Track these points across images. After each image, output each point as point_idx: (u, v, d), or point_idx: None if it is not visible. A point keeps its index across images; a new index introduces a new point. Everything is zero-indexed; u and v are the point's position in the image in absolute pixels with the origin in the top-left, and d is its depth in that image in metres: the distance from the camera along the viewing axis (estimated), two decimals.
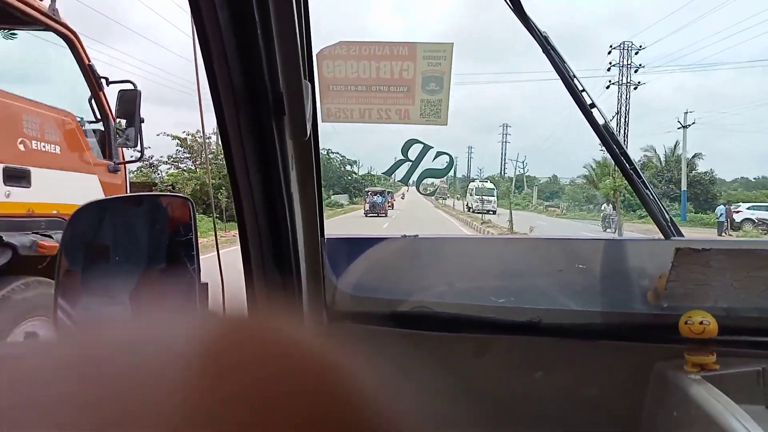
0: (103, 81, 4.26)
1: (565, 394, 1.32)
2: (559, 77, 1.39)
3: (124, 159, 4.51)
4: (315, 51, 1.26)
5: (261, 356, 0.20)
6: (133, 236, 1.17)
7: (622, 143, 1.44)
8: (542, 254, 1.55)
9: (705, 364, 1.18)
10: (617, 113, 35.74)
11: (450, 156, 1.93)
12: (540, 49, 1.38)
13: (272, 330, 0.23)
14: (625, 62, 36.59)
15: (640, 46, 36.32)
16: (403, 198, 34.25)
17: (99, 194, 4.05)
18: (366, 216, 21.15)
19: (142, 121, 4.17)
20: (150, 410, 0.17)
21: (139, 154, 4.54)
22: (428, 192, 1.73)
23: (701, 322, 1.19)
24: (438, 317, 1.37)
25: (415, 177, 1.56)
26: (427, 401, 0.23)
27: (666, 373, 1.23)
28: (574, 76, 1.39)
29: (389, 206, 23.85)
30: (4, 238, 3.25)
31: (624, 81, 36.71)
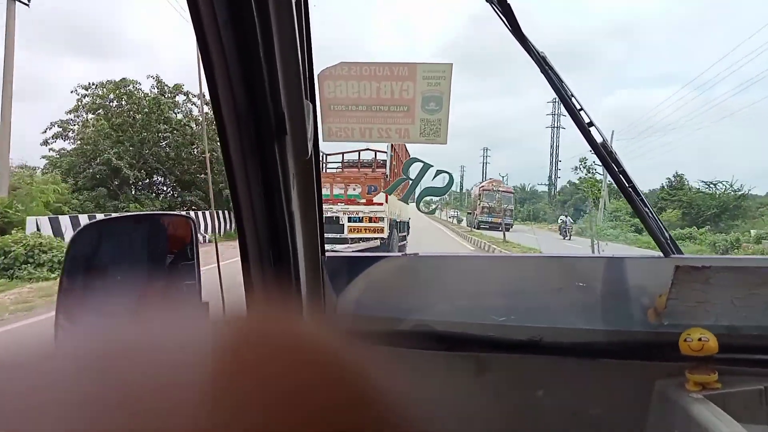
0: None
1: (566, 412, 1.31)
2: (557, 96, 1.40)
3: None
4: (316, 71, 1.28)
5: (260, 371, 0.20)
6: (134, 255, 1.18)
7: (619, 159, 1.46)
8: (542, 272, 1.55)
9: (706, 383, 1.17)
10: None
11: (449, 174, 1.94)
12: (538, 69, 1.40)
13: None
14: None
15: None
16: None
17: None
18: None
19: None
20: (146, 414, 0.17)
21: None
22: (429, 210, 1.74)
23: (700, 339, 1.18)
24: (438, 335, 1.37)
25: (415, 196, 1.57)
26: (428, 419, 0.23)
27: (667, 391, 1.22)
28: (572, 95, 1.41)
29: None
30: None
31: None
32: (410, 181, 2.08)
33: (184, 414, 0.18)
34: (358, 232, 8.71)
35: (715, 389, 1.17)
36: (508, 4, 1.28)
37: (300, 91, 1.05)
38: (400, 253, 1.51)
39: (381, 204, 9.00)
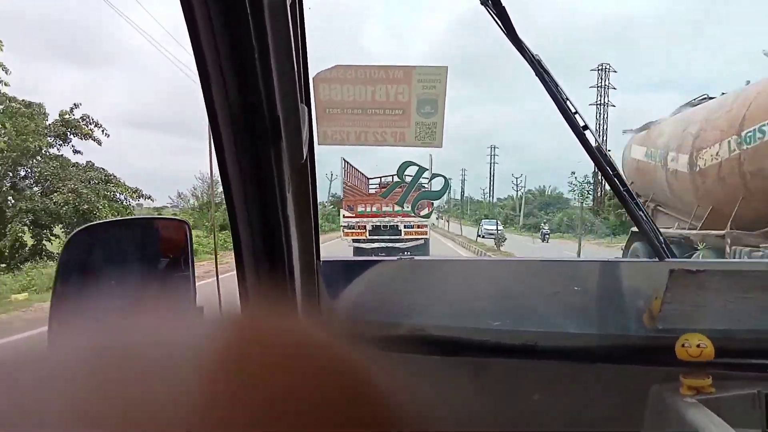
0: None
1: (562, 416, 1.31)
2: (552, 99, 1.41)
3: None
4: (311, 74, 1.28)
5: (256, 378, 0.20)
6: (128, 260, 1.17)
7: (613, 162, 1.46)
8: (538, 276, 1.56)
9: (701, 387, 1.18)
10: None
11: (445, 178, 1.93)
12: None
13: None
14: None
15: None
16: None
17: None
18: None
19: None
20: (141, 414, 0.17)
21: None
22: (424, 215, 1.74)
23: (698, 345, 1.19)
24: (434, 340, 1.36)
25: (411, 199, 1.57)
26: (423, 423, 0.23)
27: (662, 395, 1.22)
28: (567, 99, 1.41)
29: None
30: None
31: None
32: (405, 185, 2.08)
33: (175, 418, 0.17)
34: (410, 235, 11.59)
35: (709, 393, 1.17)
36: (503, 7, 1.28)
37: (295, 94, 1.05)
38: (395, 258, 1.51)
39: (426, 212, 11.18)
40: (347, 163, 12.14)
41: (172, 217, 1.28)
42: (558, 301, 1.42)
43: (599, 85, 38.19)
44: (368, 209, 11.65)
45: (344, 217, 11.87)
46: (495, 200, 48.74)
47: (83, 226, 1.11)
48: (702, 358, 1.18)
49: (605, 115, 37.92)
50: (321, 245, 1.29)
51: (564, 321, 1.41)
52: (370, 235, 11.33)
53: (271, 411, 0.19)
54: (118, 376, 0.19)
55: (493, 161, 49.87)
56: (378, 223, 11.37)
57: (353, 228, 11.50)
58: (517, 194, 45.52)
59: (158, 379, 0.19)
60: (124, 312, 0.26)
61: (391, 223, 11.45)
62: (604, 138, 35.58)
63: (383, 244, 11.24)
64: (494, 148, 51.02)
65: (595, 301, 1.48)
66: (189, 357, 0.21)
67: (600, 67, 37.92)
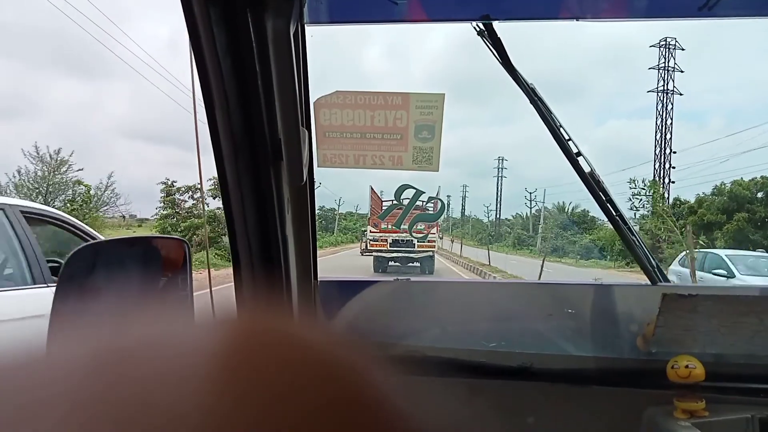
0: None
1: None
2: (546, 127, 1.44)
3: None
4: (312, 99, 1.31)
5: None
6: (127, 278, 1.18)
7: (606, 189, 1.49)
8: (532, 299, 1.57)
9: (694, 411, 1.18)
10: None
11: (442, 201, 1.96)
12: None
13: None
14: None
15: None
16: None
17: None
18: (362, 254, 21.72)
19: None
20: (134, 419, 0.17)
21: None
22: (420, 237, 1.76)
23: (687, 366, 1.20)
24: (428, 361, 1.37)
25: (407, 220, 1.58)
26: None
27: (656, 419, 1.23)
28: (561, 126, 1.45)
29: None
30: None
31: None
32: (403, 207, 2.10)
33: (168, 425, 0.17)
34: (422, 248, 14.04)
35: (702, 417, 1.18)
36: (499, 38, 1.33)
37: (296, 118, 1.08)
38: (392, 278, 1.52)
39: (434, 232, 14.35)
40: (372, 188, 13.90)
41: (172, 236, 1.29)
42: (552, 323, 1.43)
43: (661, 66, 28.63)
44: (389, 226, 13.33)
45: (370, 232, 14.64)
46: (501, 217, 42.54)
47: (84, 244, 1.12)
48: (692, 380, 1.19)
49: (668, 105, 28.69)
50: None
51: (558, 343, 1.42)
52: (390, 247, 13.97)
53: (270, 420, 0.19)
54: (112, 380, 0.19)
55: (501, 174, 43.24)
56: (396, 238, 13.66)
57: (377, 241, 14.16)
58: (531, 211, 38.41)
59: (150, 385, 0.19)
60: (121, 321, 0.26)
61: (407, 238, 13.63)
62: (669, 136, 28.52)
63: (400, 254, 14.00)
64: (502, 160, 43.55)
65: (589, 324, 1.49)
66: (186, 368, 0.21)
67: (662, 43, 28.24)
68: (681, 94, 29.38)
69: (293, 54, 1.05)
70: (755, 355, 1.29)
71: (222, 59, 0.94)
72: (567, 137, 1.44)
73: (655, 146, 28.88)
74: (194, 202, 19.60)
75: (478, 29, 1.32)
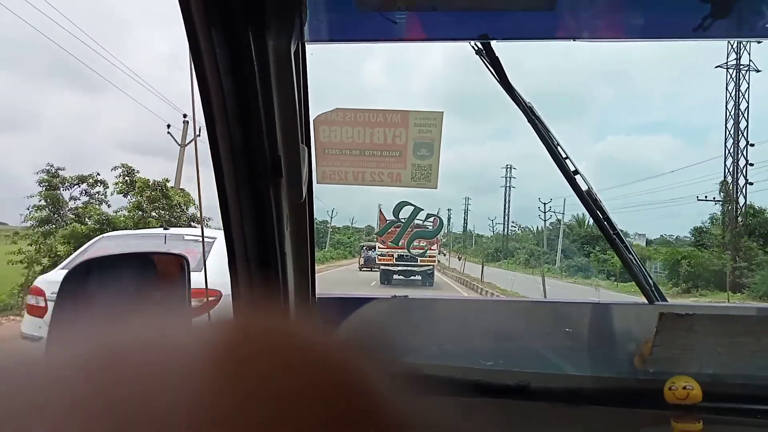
0: None
1: None
2: (543, 145, 1.45)
3: None
4: (312, 116, 1.33)
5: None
6: (125, 293, 1.18)
7: (603, 207, 1.49)
8: (530, 317, 1.57)
9: None
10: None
11: (440, 218, 1.96)
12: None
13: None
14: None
15: None
16: None
17: None
18: (360, 270, 21.85)
19: None
20: (128, 418, 0.17)
21: None
22: (420, 253, 1.76)
23: (684, 387, 1.19)
24: (426, 378, 1.36)
25: (406, 237, 1.59)
26: None
27: None
28: (558, 144, 1.46)
29: None
30: None
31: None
32: (401, 224, 2.11)
33: (162, 426, 0.18)
34: (424, 262, 15.43)
35: None
36: (497, 57, 1.34)
37: (296, 135, 1.09)
38: (390, 295, 1.52)
39: (434, 248, 15.75)
40: (380, 208, 14.56)
41: (170, 252, 1.29)
42: (550, 342, 1.43)
43: (731, 65, 21.96)
44: (388, 243, 14.36)
45: (379, 248, 16.06)
46: (511, 230, 39.67)
47: (84, 259, 1.13)
48: (689, 401, 1.18)
49: (741, 107, 21.78)
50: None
51: (556, 362, 1.42)
52: (396, 261, 15.35)
53: (270, 420, 0.19)
54: (109, 381, 0.19)
55: (509, 184, 39.44)
56: (402, 253, 14.70)
57: (385, 256, 15.45)
58: (545, 223, 34.29)
59: (147, 386, 0.19)
60: (118, 325, 0.26)
61: (409, 254, 15.00)
62: (746, 147, 21.70)
63: (405, 267, 15.46)
64: (510, 168, 39.91)
65: (586, 343, 1.49)
66: (183, 368, 0.21)
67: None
68: (759, 71, 21.96)
69: (293, 72, 1.06)
70: (752, 376, 1.29)
71: (223, 77, 0.95)
72: (564, 155, 1.45)
73: (725, 137, 22.17)
74: (88, 199, 14.13)
75: (476, 48, 1.33)
